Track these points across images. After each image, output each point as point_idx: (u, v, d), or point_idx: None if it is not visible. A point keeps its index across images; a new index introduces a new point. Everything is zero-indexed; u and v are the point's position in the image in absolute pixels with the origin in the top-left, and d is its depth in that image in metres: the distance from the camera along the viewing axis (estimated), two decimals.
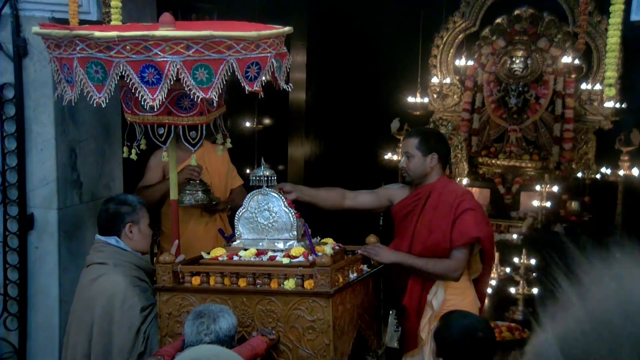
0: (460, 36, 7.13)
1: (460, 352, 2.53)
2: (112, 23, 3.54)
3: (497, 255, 5.82)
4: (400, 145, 3.92)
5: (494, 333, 2.60)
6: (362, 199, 3.65)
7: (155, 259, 3.31)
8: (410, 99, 6.95)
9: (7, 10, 3.62)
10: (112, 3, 3.53)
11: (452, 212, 3.33)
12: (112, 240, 3.28)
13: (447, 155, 3.57)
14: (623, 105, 6.53)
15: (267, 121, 6.97)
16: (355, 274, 3.16)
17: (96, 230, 3.88)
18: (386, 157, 6.74)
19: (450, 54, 7.19)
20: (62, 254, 3.81)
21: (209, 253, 3.18)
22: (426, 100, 7.07)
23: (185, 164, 3.82)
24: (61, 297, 3.82)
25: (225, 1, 5.64)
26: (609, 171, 6.40)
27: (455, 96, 7.22)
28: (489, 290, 5.54)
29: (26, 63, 3.68)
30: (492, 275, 5.00)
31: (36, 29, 2.95)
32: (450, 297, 3.40)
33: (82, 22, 3.51)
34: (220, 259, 3.09)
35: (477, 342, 2.52)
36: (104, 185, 4.13)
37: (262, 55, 2.83)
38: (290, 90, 3.13)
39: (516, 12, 6.82)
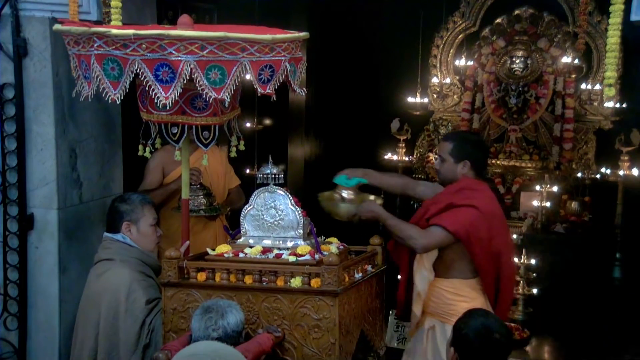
0: (460, 36, 7.13)
1: (473, 350, 2.51)
2: (112, 23, 3.54)
3: None
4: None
5: (511, 337, 2.58)
6: (421, 190, 3.70)
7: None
8: (410, 99, 6.94)
9: (7, 10, 3.60)
10: (112, 3, 3.52)
11: (458, 199, 3.30)
12: (119, 237, 3.34)
13: (482, 163, 3.53)
14: (623, 105, 6.54)
15: (267, 121, 6.96)
16: (360, 274, 3.15)
17: (96, 229, 3.90)
18: (386, 157, 6.74)
19: (450, 54, 7.18)
20: (62, 254, 3.80)
21: (214, 249, 3.17)
22: (426, 100, 7.06)
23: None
24: (61, 297, 3.81)
25: (225, 1, 5.62)
26: (609, 171, 6.39)
27: (455, 96, 7.21)
28: None
29: (26, 63, 3.67)
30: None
31: (57, 26, 3.01)
32: (456, 302, 3.36)
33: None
34: (225, 255, 3.09)
35: (492, 343, 2.50)
36: (104, 185, 4.12)
37: (276, 58, 2.87)
38: (303, 94, 3.16)
39: (516, 12, 6.81)
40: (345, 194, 3.48)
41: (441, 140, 3.57)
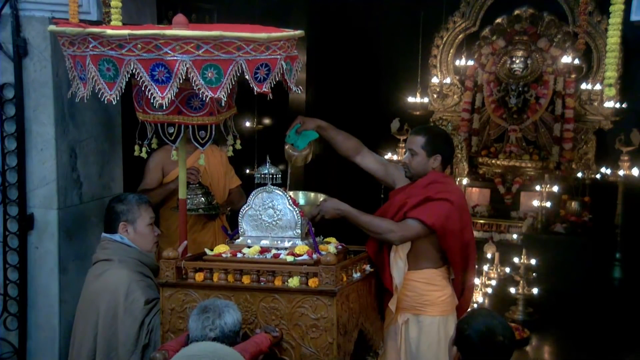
0: (460, 36, 7.14)
1: (476, 352, 2.50)
2: (112, 23, 3.54)
3: (497, 255, 5.83)
4: (406, 141, 3.96)
5: (514, 339, 2.58)
6: (371, 163, 3.72)
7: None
8: (410, 99, 6.96)
9: (7, 10, 3.60)
10: (112, 3, 3.53)
11: (433, 192, 3.36)
12: (117, 237, 3.34)
13: (450, 158, 3.63)
14: (623, 105, 6.55)
15: (267, 121, 6.97)
16: (358, 274, 3.16)
17: (96, 229, 3.90)
18: (386, 157, 6.75)
19: (450, 54, 7.20)
20: (62, 254, 3.80)
21: (212, 250, 3.17)
22: (426, 100, 7.08)
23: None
24: (61, 297, 3.81)
25: (225, 1, 5.64)
26: (609, 171, 6.41)
27: (455, 96, 7.23)
28: (489, 290, 5.55)
29: (26, 63, 3.67)
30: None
31: (52, 26, 2.99)
32: (429, 292, 3.45)
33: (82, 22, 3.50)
34: (223, 255, 3.09)
35: (496, 345, 2.49)
36: (104, 185, 4.12)
37: (272, 57, 2.86)
38: (299, 92, 3.14)
39: (516, 12, 6.83)
40: (296, 152, 3.55)
41: (411, 134, 3.59)
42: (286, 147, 3.58)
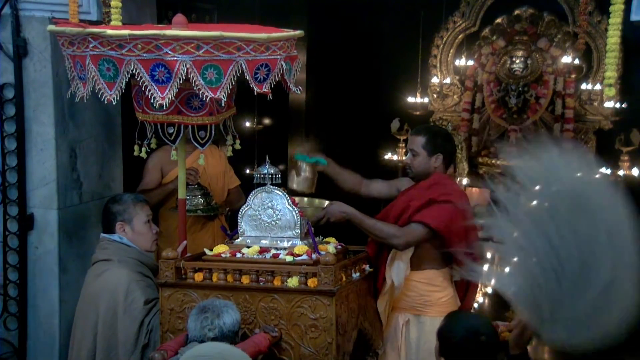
0: (460, 36, 7.12)
1: (462, 354, 2.52)
2: (112, 23, 3.56)
3: (497, 255, 5.81)
4: (406, 141, 3.99)
5: (497, 336, 2.59)
6: (376, 187, 3.82)
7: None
8: (410, 99, 6.94)
9: (7, 10, 3.62)
10: (112, 3, 3.54)
11: (436, 194, 3.36)
12: (116, 237, 3.35)
13: (452, 156, 3.65)
14: (623, 105, 6.52)
15: (267, 121, 6.97)
16: (358, 274, 3.16)
17: (96, 229, 3.91)
18: (386, 157, 6.74)
19: (450, 54, 7.18)
20: (62, 254, 3.81)
21: (211, 250, 3.18)
22: (426, 100, 7.06)
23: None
24: (61, 297, 3.82)
25: (225, 1, 5.64)
26: (609, 171, 6.38)
27: (455, 96, 7.21)
28: (489, 290, 5.54)
29: (26, 63, 3.68)
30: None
31: (51, 26, 3.01)
32: (431, 292, 3.46)
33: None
34: (223, 255, 3.09)
35: (480, 345, 2.51)
36: (104, 185, 4.13)
37: (272, 57, 2.88)
38: (299, 92, 3.16)
39: (516, 12, 6.80)
40: (303, 167, 3.60)
41: (412, 134, 3.62)
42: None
